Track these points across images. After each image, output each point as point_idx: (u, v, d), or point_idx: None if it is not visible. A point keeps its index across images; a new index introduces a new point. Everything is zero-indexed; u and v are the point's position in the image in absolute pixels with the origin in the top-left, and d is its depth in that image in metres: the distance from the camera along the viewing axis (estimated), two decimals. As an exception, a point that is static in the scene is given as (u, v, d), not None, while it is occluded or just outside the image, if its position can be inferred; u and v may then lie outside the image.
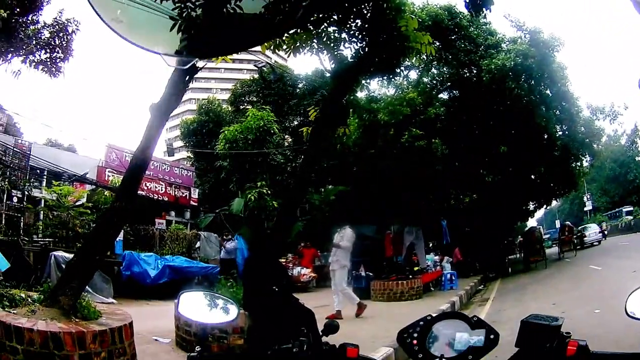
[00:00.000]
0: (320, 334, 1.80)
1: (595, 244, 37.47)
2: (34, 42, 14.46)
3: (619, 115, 30.51)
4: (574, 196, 65.50)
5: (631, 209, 55.16)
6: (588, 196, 66.20)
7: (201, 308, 1.99)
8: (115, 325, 5.80)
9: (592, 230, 40.04)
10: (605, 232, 44.76)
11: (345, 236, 13.35)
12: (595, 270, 19.97)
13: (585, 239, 37.22)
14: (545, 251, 29.58)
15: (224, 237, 21.22)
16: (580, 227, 39.91)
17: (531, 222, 56.46)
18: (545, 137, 28.58)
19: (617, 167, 63.14)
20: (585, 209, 67.99)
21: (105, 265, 14.14)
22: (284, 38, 10.02)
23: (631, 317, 1.61)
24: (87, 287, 9.38)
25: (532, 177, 30.02)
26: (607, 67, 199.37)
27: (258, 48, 11.54)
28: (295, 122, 33.33)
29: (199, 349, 1.72)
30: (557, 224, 73.90)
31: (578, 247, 33.83)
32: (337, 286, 13.09)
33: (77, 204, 20.28)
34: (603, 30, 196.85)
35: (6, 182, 19.97)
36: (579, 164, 32.75)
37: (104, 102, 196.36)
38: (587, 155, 33.07)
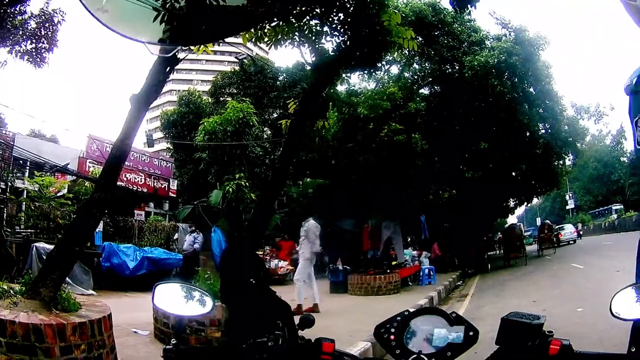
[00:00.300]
0: (296, 328, 1.76)
1: (571, 242, 39.16)
2: (20, 33, 14.38)
3: (604, 116, 30.59)
4: (556, 194, 65.98)
5: (621, 206, 55.30)
6: (570, 194, 66.57)
7: (176, 300, 1.93)
8: (94, 317, 5.77)
9: (567, 230, 41.52)
10: (581, 233, 47.29)
11: (309, 228, 13.30)
12: (577, 268, 19.93)
13: (561, 237, 38.44)
14: (525, 248, 30.12)
15: (190, 229, 20.81)
16: (556, 227, 40.49)
17: (511, 219, 57.25)
18: (528, 134, 28.62)
19: (601, 167, 63.61)
20: (568, 207, 68.39)
21: (85, 257, 14.11)
22: (265, 30, 9.88)
23: (616, 317, 1.56)
24: (67, 278, 9.30)
25: (513, 174, 30.09)
26: (595, 68, 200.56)
27: (239, 40, 11.43)
28: (275, 115, 33.21)
29: (174, 342, 1.69)
30: (538, 221, 74.67)
31: (556, 245, 35.12)
32: (297, 278, 12.94)
33: (59, 194, 20.23)
34: (592, 31, 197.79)
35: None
36: (561, 162, 32.93)
37: (86, 92, 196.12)
38: (570, 154, 33.21)
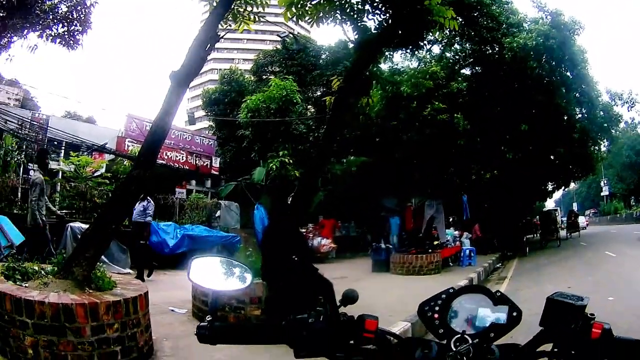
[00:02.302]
0: (338, 304, 1.68)
1: (582, 229, 43.87)
2: (51, 17, 14.50)
3: (636, 103, 30.48)
4: (592, 180, 65.54)
5: None
6: (605, 181, 65.88)
7: (214, 274, 1.88)
8: (129, 295, 5.69)
9: (581, 220, 47.93)
10: (587, 223, 55.88)
11: None
12: (609, 256, 20.01)
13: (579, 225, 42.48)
14: (559, 232, 32.58)
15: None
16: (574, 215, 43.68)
17: (549, 203, 57.14)
18: (565, 118, 28.55)
19: (634, 155, 62.69)
20: (602, 194, 67.73)
21: (122, 235, 13.99)
22: (307, 8, 9.89)
23: None
24: (104, 257, 9.32)
25: (552, 157, 29.96)
26: (630, 54, 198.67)
27: (281, 18, 11.46)
28: (318, 93, 33.10)
29: (209, 319, 1.65)
30: (575, 206, 73.98)
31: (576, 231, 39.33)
32: None
33: (96, 174, 20.24)
34: (628, 18, 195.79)
35: (22, 156, 20.02)
36: (597, 147, 32.76)
37: (124, 72, 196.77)
38: (605, 140, 33.04)
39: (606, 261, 18.72)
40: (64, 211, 15.62)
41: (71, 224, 14.09)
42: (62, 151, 23.22)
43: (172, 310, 8.65)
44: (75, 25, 14.90)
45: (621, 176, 67.51)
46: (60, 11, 14.66)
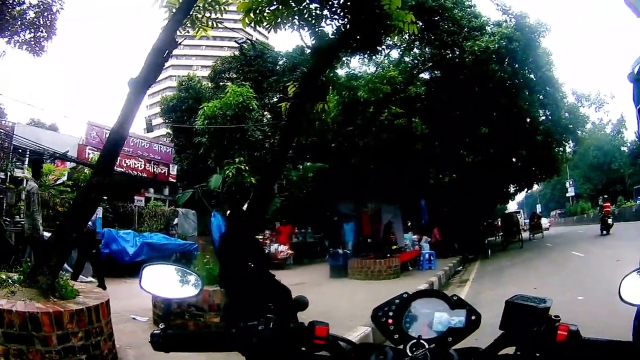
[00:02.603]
0: (290, 311, 1.69)
1: (546, 230, 44.21)
2: (19, 23, 14.39)
3: (604, 104, 30.74)
4: (556, 181, 66.07)
5: None
6: (570, 182, 66.55)
7: (165, 282, 1.83)
8: (92, 304, 5.71)
9: (545, 221, 48.37)
10: (550, 225, 57.16)
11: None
12: (577, 256, 19.83)
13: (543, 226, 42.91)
14: (521, 233, 33.01)
15: None
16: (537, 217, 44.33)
17: (512, 205, 58.26)
18: (528, 120, 28.74)
19: (601, 156, 63.45)
20: (568, 194, 68.41)
21: (83, 243, 13.93)
22: (265, 14, 9.86)
23: (625, 302, 1.50)
24: (66, 265, 9.23)
25: (514, 159, 30.14)
26: (597, 56, 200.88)
27: (239, 24, 11.38)
28: (275, 99, 32.84)
29: (162, 326, 1.61)
30: (538, 208, 74.79)
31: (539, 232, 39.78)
32: None
33: (58, 182, 20.17)
34: (595, 21, 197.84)
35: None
36: (561, 149, 33.06)
37: (86, 79, 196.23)
38: (571, 141, 33.32)
39: (573, 261, 18.69)
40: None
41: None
42: (27, 159, 22.99)
43: (134, 318, 8.69)
44: (41, 32, 14.80)
45: (588, 177, 68.32)
46: (28, 17, 14.55)
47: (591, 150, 62.20)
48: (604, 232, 29.41)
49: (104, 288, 11.19)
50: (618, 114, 61.48)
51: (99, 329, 5.63)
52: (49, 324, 4.99)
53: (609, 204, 34.16)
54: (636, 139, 53.54)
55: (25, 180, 20.85)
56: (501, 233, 37.82)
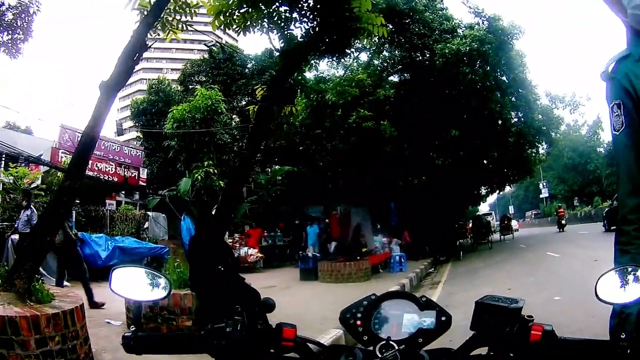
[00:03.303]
0: (257, 313, 1.67)
1: (516, 231, 45.85)
2: None
3: (580, 106, 30.91)
4: (529, 183, 66.53)
5: None
6: (544, 183, 66.92)
7: (134, 285, 1.82)
8: (67, 307, 5.72)
9: (514, 223, 48.72)
10: (519, 226, 58.30)
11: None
12: (553, 257, 19.82)
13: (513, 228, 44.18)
14: (491, 235, 34.44)
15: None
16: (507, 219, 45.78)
17: (483, 207, 58.64)
18: (500, 122, 28.80)
19: (577, 157, 63.84)
20: (541, 196, 68.75)
21: (57, 247, 14.00)
22: (234, 17, 9.88)
23: (602, 301, 1.51)
24: (41, 269, 9.21)
25: (485, 161, 30.22)
26: (573, 58, 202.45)
27: (208, 27, 11.40)
28: (243, 102, 33.25)
29: (133, 329, 1.62)
30: (511, 209, 75.17)
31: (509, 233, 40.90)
32: None
33: (32, 185, 20.07)
34: (572, 21, 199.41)
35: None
36: (535, 150, 33.20)
37: (60, 81, 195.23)
38: (545, 143, 33.44)
39: (548, 262, 18.63)
40: (5, 223, 15.54)
41: (12, 236, 13.97)
42: (2, 162, 22.89)
43: (108, 323, 8.73)
44: (18, 33, 14.77)
45: (563, 178, 68.70)
46: (6, 19, 14.51)
47: (566, 152, 62.64)
48: (560, 229, 39.23)
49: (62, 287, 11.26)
50: (594, 116, 61.95)
51: (75, 333, 5.67)
52: (27, 328, 5.02)
53: (562, 210, 44.70)
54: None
55: (1, 184, 20.83)
56: (471, 235, 38.66)
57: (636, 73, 2.54)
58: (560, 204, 54.70)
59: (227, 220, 11.32)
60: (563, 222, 40.32)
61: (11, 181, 19.55)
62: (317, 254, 19.40)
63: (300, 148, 25.40)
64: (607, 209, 31.22)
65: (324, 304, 11.57)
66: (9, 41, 14.64)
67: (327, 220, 21.86)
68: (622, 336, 1.42)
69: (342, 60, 23.80)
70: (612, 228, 24.22)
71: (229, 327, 1.54)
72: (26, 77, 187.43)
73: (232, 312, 1.62)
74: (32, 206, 13.57)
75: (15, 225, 13.67)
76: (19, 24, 14.60)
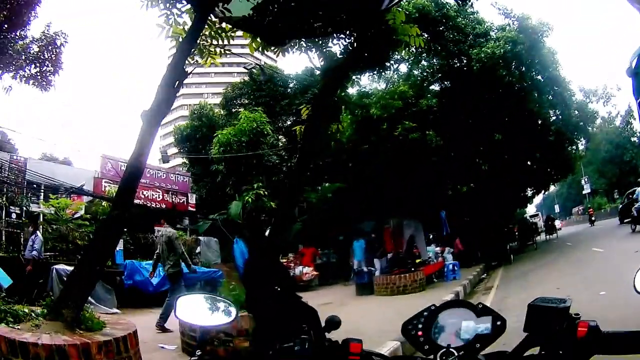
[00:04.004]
0: (323, 330, 1.74)
1: (559, 229, 47.40)
2: (24, 57, 14.49)
3: (612, 97, 30.90)
4: (572, 180, 65.73)
5: None
6: (586, 179, 66.06)
7: (199, 311, 1.93)
8: (119, 334, 5.76)
9: (557, 222, 51.31)
10: (562, 225, 62.69)
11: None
12: (597, 252, 19.81)
13: (557, 227, 46.16)
14: (535, 237, 36.32)
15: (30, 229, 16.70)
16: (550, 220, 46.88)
17: (530, 208, 58.29)
18: (539, 122, 28.78)
19: (613, 149, 62.77)
20: (584, 192, 67.84)
21: (107, 276, 14.12)
22: None
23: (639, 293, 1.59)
24: (90, 298, 9.38)
25: (529, 163, 30.11)
26: (600, 50, 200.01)
27: (247, 50, 11.47)
28: (288, 122, 33.38)
29: (199, 353, 1.70)
30: (556, 208, 74.35)
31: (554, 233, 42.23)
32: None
33: (76, 216, 20.19)
34: (594, 12, 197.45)
35: (4, 199, 19.97)
36: (574, 147, 33.17)
37: (97, 112, 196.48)
38: (582, 139, 33.38)
39: (594, 257, 18.63)
40: (48, 254, 15.70)
41: (56, 266, 14.02)
42: (42, 194, 23.12)
43: (162, 347, 8.74)
44: (47, 66, 14.88)
45: (602, 171, 67.65)
46: (32, 51, 14.65)
47: (603, 145, 61.79)
48: (591, 225, 43.21)
49: None
50: (625, 105, 61.11)
51: (128, 359, 5.70)
52: (77, 356, 5.04)
53: (592, 209, 50.57)
54: None
55: (41, 215, 21.02)
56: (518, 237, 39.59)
57: None
58: (590, 205, 58.48)
59: (281, 241, 11.36)
60: (593, 218, 45.27)
61: (52, 212, 19.67)
62: (372, 268, 19.38)
63: (349, 164, 25.43)
64: (620, 206, 31.30)
65: (380, 317, 11.59)
66: (38, 74, 14.75)
67: (373, 235, 21.74)
68: None
69: (383, 73, 23.94)
70: (625, 221, 26.22)
71: (297, 346, 1.59)
72: (61, 108, 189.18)
73: (299, 331, 1.67)
74: (38, 232, 13.81)
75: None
76: (46, 57, 14.72)
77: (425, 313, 1.77)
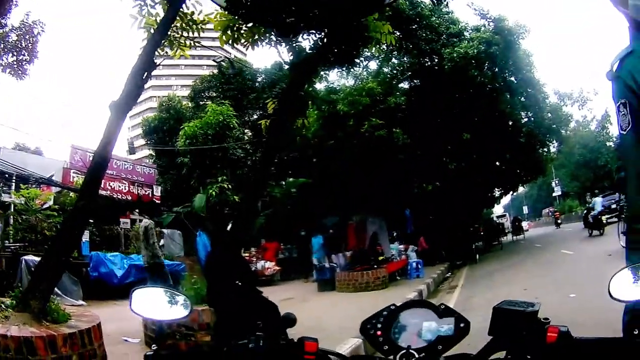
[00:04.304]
0: (279, 328, 1.70)
1: (526, 231, 48.90)
2: (2, 46, 14.41)
3: (588, 101, 31.23)
4: (542, 182, 66.86)
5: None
6: (556, 182, 66.70)
7: (155, 304, 1.87)
8: (84, 327, 5.79)
9: (525, 224, 53.26)
10: (529, 227, 63.86)
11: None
12: (566, 254, 19.85)
13: (524, 228, 48.20)
14: (502, 237, 38.82)
15: None
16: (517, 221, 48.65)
17: (497, 209, 59.05)
18: (510, 123, 28.87)
19: (587, 153, 63.26)
20: (554, 194, 68.56)
21: (73, 267, 14.14)
22: (242, 31, 9.94)
23: (615, 299, 1.52)
24: (57, 289, 9.31)
25: (497, 163, 30.25)
26: (579, 54, 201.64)
27: (217, 42, 11.41)
28: (255, 116, 33.32)
29: (155, 347, 1.62)
30: (525, 209, 75.00)
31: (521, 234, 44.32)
32: None
33: (45, 206, 20.08)
34: (574, 16, 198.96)
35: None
36: (545, 149, 33.24)
37: (68, 102, 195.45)
38: (555, 141, 33.46)
39: (563, 259, 18.62)
40: (18, 244, 15.60)
41: (25, 257, 14.02)
42: (13, 184, 22.93)
43: (126, 340, 8.75)
44: (23, 55, 14.83)
45: (575, 175, 68.24)
46: (10, 40, 14.57)
47: (577, 148, 62.27)
48: (556, 227, 45.71)
49: None
50: (602, 110, 61.64)
51: (92, 352, 5.72)
52: (44, 348, 5.06)
53: (558, 213, 54.92)
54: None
55: (12, 205, 20.82)
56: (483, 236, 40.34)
57: None
58: (558, 208, 60.66)
59: (244, 235, 11.32)
60: (559, 221, 47.96)
61: (23, 202, 19.55)
62: (335, 264, 19.34)
63: (314, 160, 25.39)
64: (584, 211, 31.98)
65: (342, 313, 11.54)
66: (14, 63, 14.68)
67: (331, 231, 21.72)
68: (635, 332, 1.44)
69: (352, 69, 23.86)
70: (585, 227, 26.64)
71: (252, 344, 1.55)
72: (34, 98, 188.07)
73: (254, 328, 1.63)
74: None
75: None
76: (23, 45, 14.64)
77: (385, 312, 1.73)
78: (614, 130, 61.46)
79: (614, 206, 24.82)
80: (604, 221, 24.17)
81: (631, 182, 2.62)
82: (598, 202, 27.04)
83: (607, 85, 2.78)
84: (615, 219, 21.07)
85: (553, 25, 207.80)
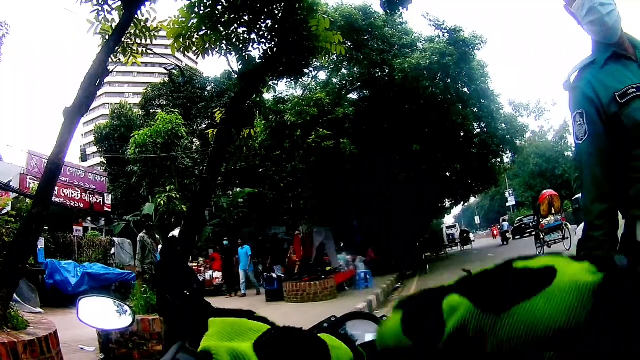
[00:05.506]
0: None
1: (472, 242, 50.18)
2: None
3: (545, 112, 31.15)
4: (495, 192, 67.50)
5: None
6: (510, 192, 67.22)
7: (101, 314, 1.95)
8: (42, 334, 5.79)
9: (472, 236, 54.25)
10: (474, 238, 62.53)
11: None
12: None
13: (471, 239, 50.17)
14: (446, 247, 41.21)
15: None
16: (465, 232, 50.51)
17: (448, 219, 59.56)
18: (462, 134, 28.93)
19: (544, 163, 63.91)
20: (508, 204, 69.04)
21: (29, 274, 14.03)
22: (193, 39, 9.99)
23: None
24: (16, 297, 9.28)
25: (448, 174, 30.40)
26: (539, 64, 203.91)
27: (169, 50, 11.45)
28: (204, 125, 33.36)
29: (102, 357, 1.73)
30: (477, 219, 75.61)
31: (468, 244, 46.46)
32: None
33: (3, 212, 19.91)
34: (534, 28, 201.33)
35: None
36: (498, 160, 33.36)
37: (29, 106, 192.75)
38: (508, 152, 33.56)
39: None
40: None
41: None
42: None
43: (82, 349, 8.73)
44: None
45: (530, 185, 68.82)
46: None
47: (532, 158, 62.95)
48: (504, 243, 42.03)
49: None
50: (561, 120, 62.38)
51: (51, 359, 5.72)
52: (6, 355, 5.05)
53: (495, 227, 57.25)
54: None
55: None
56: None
57: (600, 80, 2.61)
58: (510, 219, 59.25)
59: (191, 245, 11.34)
60: (507, 235, 46.18)
61: (-19, 208, 19.36)
62: (282, 275, 19.40)
63: (261, 170, 25.45)
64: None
65: (291, 323, 11.51)
66: None
67: (258, 240, 21.68)
68: None
69: (301, 80, 23.88)
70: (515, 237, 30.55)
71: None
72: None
73: (200, 337, 1.73)
74: None
75: None
76: None
77: (325, 325, 1.66)
78: (572, 140, 62.44)
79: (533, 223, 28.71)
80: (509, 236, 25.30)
81: (587, 190, 2.73)
82: (505, 224, 36.52)
83: (565, 96, 2.85)
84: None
85: (514, 37, 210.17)
